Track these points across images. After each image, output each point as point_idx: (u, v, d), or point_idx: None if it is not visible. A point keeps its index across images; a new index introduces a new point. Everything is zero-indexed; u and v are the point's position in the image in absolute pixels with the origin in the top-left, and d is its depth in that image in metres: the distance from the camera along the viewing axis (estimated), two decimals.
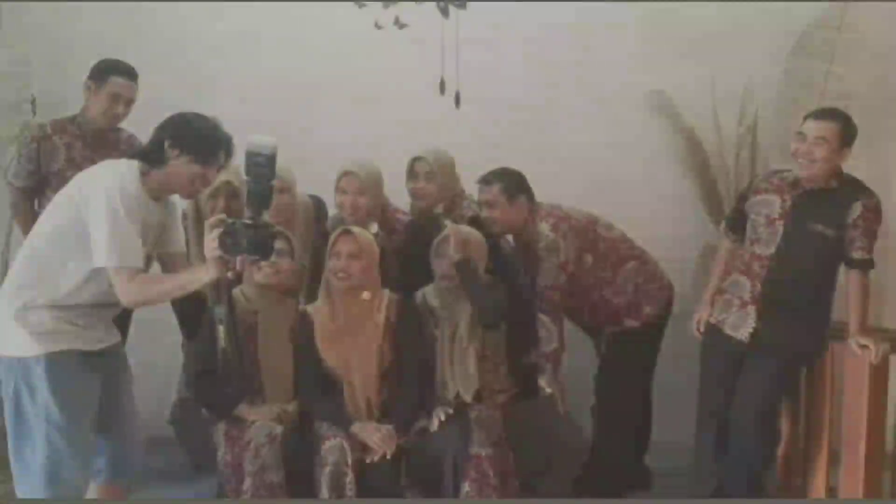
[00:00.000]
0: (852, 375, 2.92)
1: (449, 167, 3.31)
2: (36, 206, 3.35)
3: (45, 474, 2.28)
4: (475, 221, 3.24)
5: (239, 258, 2.16)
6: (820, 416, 3.05)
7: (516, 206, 3.19)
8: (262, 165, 2.14)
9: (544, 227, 3.15)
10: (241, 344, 2.90)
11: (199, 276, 2.22)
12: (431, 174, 3.24)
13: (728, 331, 2.97)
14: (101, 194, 2.20)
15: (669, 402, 3.54)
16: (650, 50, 3.78)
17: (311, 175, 3.59)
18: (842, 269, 2.93)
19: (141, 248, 2.26)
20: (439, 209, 3.28)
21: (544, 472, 3.33)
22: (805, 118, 2.94)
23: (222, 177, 2.74)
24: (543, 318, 3.12)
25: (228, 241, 2.14)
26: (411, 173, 3.29)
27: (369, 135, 3.93)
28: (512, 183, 3.20)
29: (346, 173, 3.19)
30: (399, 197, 3.45)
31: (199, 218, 3.05)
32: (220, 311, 2.27)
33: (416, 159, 3.28)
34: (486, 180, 3.21)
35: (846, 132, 2.85)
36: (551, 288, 3.13)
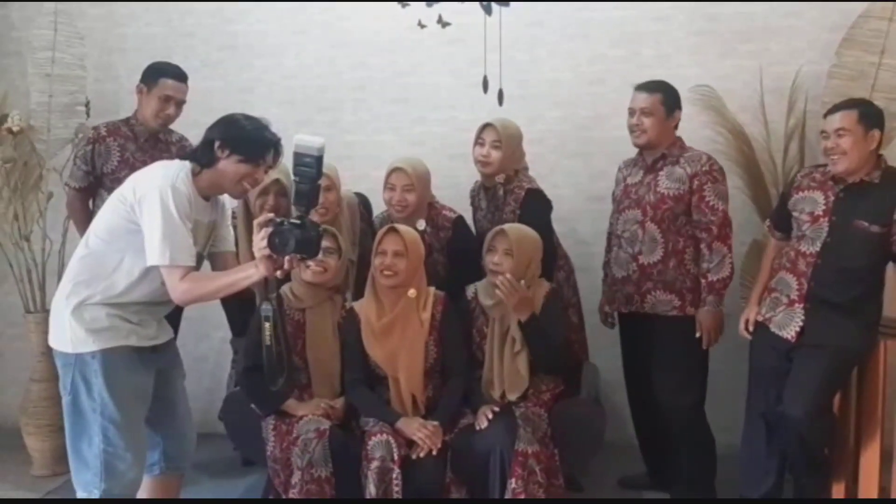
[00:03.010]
0: None
1: (516, 139, 3.33)
2: (91, 206, 3.45)
3: (101, 467, 2.35)
4: (532, 194, 3.25)
5: (287, 257, 2.20)
6: (872, 416, 2.98)
7: (671, 120, 3.14)
8: (310, 166, 2.17)
9: (704, 157, 3.11)
10: (288, 341, 2.94)
11: (249, 275, 2.26)
12: (498, 142, 3.25)
13: (774, 329, 2.93)
14: (154, 194, 2.25)
15: (715, 402, 3.51)
16: (697, 44, 3.74)
17: (357, 174, 3.64)
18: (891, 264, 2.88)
19: (193, 247, 2.31)
20: (500, 179, 3.29)
21: (590, 469, 3.34)
22: (823, 116, 2.93)
23: (272, 175, 2.78)
24: (717, 244, 3.05)
25: (276, 241, 2.18)
26: (479, 140, 3.31)
27: (414, 133, 3.96)
28: (672, 96, 3.15)
29: (394, 170, 3.22)
30: (445, 194, 3.47)
31: (248, 216, 3.11)
32: (266, 308, 2.30)
33: (485, 126, 3.30)
34: (648, 87, 3.14)
35: (866, 115, 2.82)
36: (725, 211, 3.07)
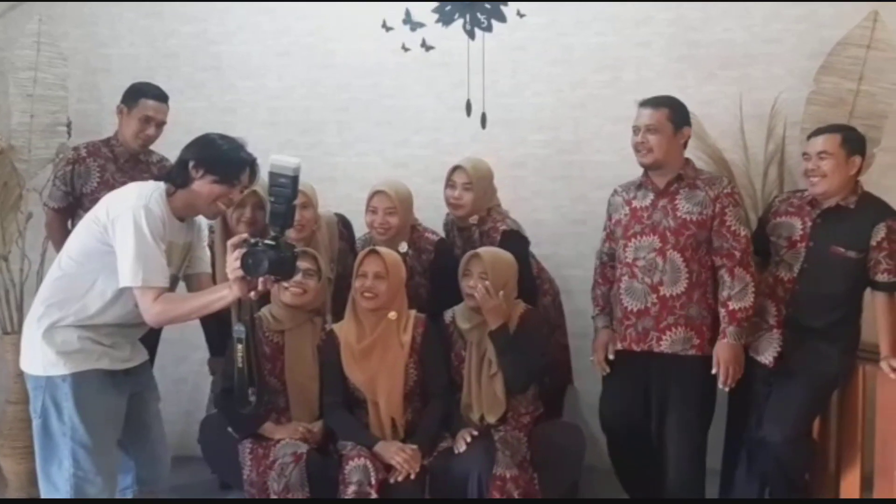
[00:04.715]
0: (885, 399, 2.86)
1: (487, 178, 3.32)
2: (69, 227, 3.42)
3: (71, 492, 2.32)
4: (508, 236, 3.23)
5: (261, 279, 2.17)
6: (852, 440, 2.98)
7: (679, 136, 2.91)
8: (285, 186, 2.15)
9: (725, 180, 2.95)
10: (260, 364, 2.92)
11: (223, 296, 2.24)
12: (469, 184, 3.25)
13: (753, 354, 2.93)
14: (127, 215, 2.24)
15: None
16: (678, 70, 3.77)
17: (340, 195, 3.64)
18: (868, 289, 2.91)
19: (166, 268, 2.29)
20: (474, 220, 3.29)
21: (569, 494, 3.31)
22: (807, 138, 2.96)
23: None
24: (740, 271, 2.82)
25: (250, 262, 2.14)
26: (449, 182, 3.30)
27: (397, 156, 3.96)
28: (680, 111, 2.94)
29: (376, 192, 3.22)
30: (427, 216, 3.47)
31: (226, 230, 3.08)
32: (239, 329, 2.28)
33: (455, 168, 3.30)
34: (653, 102, 2.92)
35: (849, 140, 2.86)
36: (747, 237, 2.87)
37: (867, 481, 2.96)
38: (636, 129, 2.92)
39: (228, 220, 3.10)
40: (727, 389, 2.86)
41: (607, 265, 3.12)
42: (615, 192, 3.11)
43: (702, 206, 2.86)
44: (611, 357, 3.01)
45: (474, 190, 3.25)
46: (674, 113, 2.90)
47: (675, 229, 2.86)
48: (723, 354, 2.81)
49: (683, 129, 2.92)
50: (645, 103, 2.93)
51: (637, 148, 2.92)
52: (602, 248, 3.15)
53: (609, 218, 3.11)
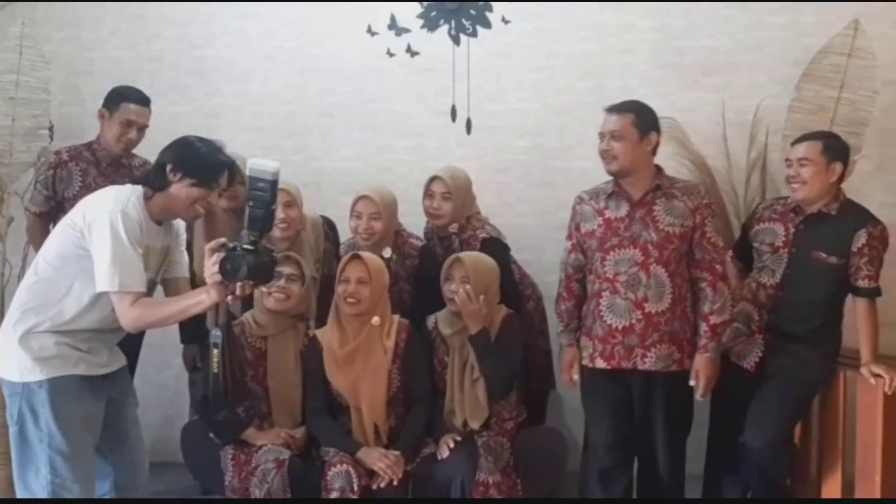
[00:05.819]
0: (866, 405, 2.87)
1: (465, 187, 3.33)
2: (51, 231, 3.39)
3: (49, 498, 2.29)
4: (488, 243, 3.23)
5: (239, 283, 2.15)
6: (833, 446, 3.00)
7: (645, 142, 2.77)
8: (265, 190, 2.13)
9: (701, 189, 2.86)
10: (235, 371, 2.90)
11: (200, 300, 2.22)
12: (448, 194, 3.26)
13: (734, 359, 2.94)
14: (104, 220, 2.21)
15: None
16: (661, 76, 3.78)
17: (324, 199, 3.63)
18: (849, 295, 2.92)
19: (143, 273, 2.27)
20: (454, 229, 3.29)
21: (552, 499, 3.32)
22: (791, 145, 2.98)
23: None
24: (721, 285, 2.77)
25: (228, 267, 2.12)
26: (428, 192, 3.31)
27: (382, 160, 3.96)
28: (646, 116, 2.80)
29: (361, 197, 3.22)
30: (411, 222, 3.46)
31: (209, 213, 3.03)
32: (215, 334, 2.26)
33: (433, 179, 3.30)
34: (618, 108, 2.80)
35: (830, 148, 2.87)
36: (725, 248, 2.84)
37: (848, 486, 2.97)
38: (602, 136, 2.81)
39: None
40: (703, 400, 2.84)
41: (573, 278, 2.95)
42: (581, 199, 2.95)
43: (682, 218, 2.77)
44: (575, 376, 2.91)
45: (453, 199, 3.25)
46: (639, 119, 2.78)
47: (657, 243, 2.76)
48: (705, 370, 2.76)
49: (650, 135, 2.79)
50: (611, 109, 2.82)
51: (602, 155, 2.81)
52: (567, 258, 2.96)
53: (577, 228, 2.93)
